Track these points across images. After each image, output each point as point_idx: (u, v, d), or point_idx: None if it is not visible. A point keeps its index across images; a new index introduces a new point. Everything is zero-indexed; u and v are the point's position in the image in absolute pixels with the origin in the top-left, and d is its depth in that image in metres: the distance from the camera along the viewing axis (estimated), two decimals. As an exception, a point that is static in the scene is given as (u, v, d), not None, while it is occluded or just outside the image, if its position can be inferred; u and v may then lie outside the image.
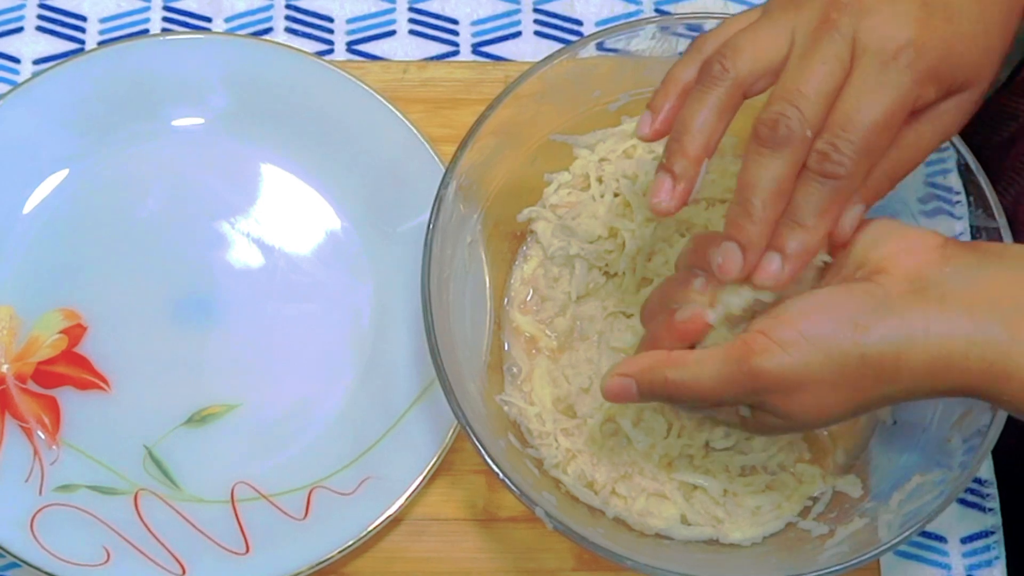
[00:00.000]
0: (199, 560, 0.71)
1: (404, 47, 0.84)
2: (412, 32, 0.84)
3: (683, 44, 0.71)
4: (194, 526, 0.72)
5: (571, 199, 0.75)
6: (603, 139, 0.75)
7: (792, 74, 0.56)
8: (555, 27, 0.84)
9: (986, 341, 0.55)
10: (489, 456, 0.64)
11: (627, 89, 0.73)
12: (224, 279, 0.77)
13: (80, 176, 0.79)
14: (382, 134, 0.78)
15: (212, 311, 0.77)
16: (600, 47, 0.71)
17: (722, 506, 0.70)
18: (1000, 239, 0.67)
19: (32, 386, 0.75)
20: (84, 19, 0.83)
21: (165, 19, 0.83)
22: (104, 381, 0.75)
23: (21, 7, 0.83)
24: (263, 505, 0.73)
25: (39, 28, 0.83)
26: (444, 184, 0.68)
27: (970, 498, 0.75)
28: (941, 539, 0.75)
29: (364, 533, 0.71)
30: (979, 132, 0.92)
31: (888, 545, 0.63)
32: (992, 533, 0.75)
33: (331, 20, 0.84)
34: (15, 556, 0.70)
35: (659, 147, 0.72)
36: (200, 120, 0.80)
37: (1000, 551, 0.75)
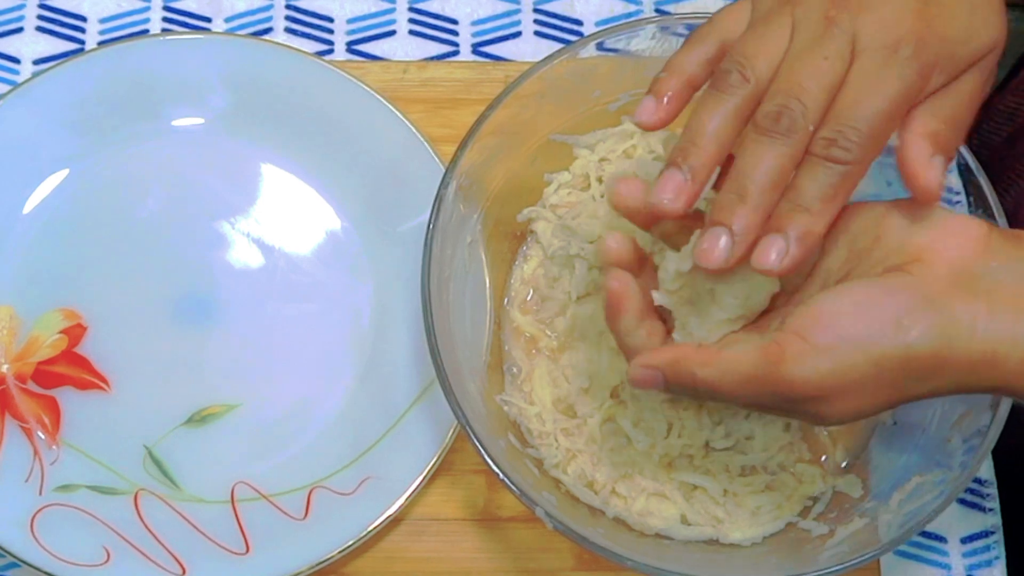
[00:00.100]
0: (199, 560, 0.71)
1: (404, 47, 0.84)
2: (412, 32, 0.84)
3: (683, 44, 0.71)
4: (194, 526, 0.72)
5: (571, 199, 0.75)
6: (603, 139, 0.75)
7: (794, 68, 0.55)
8: (555, 27, 0.84)
9: None
10: (489, 456, 0.64)
11: (627, 89, 0.73)
12: (224, 279, 0.77)
13: (80, 176, 0.79)
14: (382, 134, 0.78)
15: (212, 311, 0.77)
16: (600, 47, 0.71)
17: (722, 506, 0.70)
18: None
19: (32, 386, 0.75)
20: (84, 19, 0.83)
21: (165, 19, 0.83)
22: (104, 381, 0.75)
23: (21, 7, 0.83)
24: (263, 505, 0.73)
25: (39, 28, 0.83)
26: (444, 184, 0.68)
27: (970, 498, 0.75)
28: (941, 539, 0.75)
29: (364, 533, 0.71)
30: (979, 132, 0.92)
31: (888, 545, 0.63)
32: (992, 533, 0.75)
33: (331, 20, 0.84)
34: (15, 556, 0.70)
35: (659, 147, 0.72)
36: (200, 120, 0.80)
37: (1000, 551, 0.75)
